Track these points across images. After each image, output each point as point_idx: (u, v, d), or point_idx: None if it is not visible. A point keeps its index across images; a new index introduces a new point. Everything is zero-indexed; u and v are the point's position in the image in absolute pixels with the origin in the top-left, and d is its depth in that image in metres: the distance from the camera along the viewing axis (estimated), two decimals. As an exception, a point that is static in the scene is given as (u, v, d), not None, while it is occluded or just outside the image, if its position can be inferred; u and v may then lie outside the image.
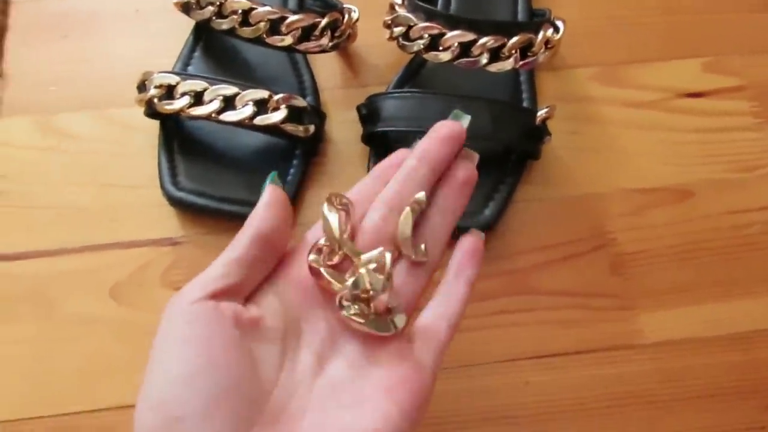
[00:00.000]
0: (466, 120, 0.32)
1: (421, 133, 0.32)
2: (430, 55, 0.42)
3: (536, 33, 0.42)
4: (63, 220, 0.43)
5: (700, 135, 0.46)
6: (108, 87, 0.46)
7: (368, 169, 0.43)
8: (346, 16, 0.44)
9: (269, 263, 0.29)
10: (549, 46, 0.42)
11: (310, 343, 0.28)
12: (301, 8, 0.47)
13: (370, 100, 0.43)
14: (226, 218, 0.41)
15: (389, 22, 0.44)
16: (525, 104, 0.46)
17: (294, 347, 0.28)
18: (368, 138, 0.43)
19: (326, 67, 0.48)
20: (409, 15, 0.42)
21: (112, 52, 0.48)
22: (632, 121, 0.47)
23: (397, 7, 0.43)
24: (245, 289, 0.29)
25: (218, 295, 0.27)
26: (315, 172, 0.44)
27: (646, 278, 0.42)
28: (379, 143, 0.44)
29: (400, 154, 0.32)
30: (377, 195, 0.31)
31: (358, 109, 0.43)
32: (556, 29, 0.43)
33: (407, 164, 0.31)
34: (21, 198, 0.43)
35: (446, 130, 0.31)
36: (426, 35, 0.41)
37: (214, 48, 0.47)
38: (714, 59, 0.49)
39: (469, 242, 0.31)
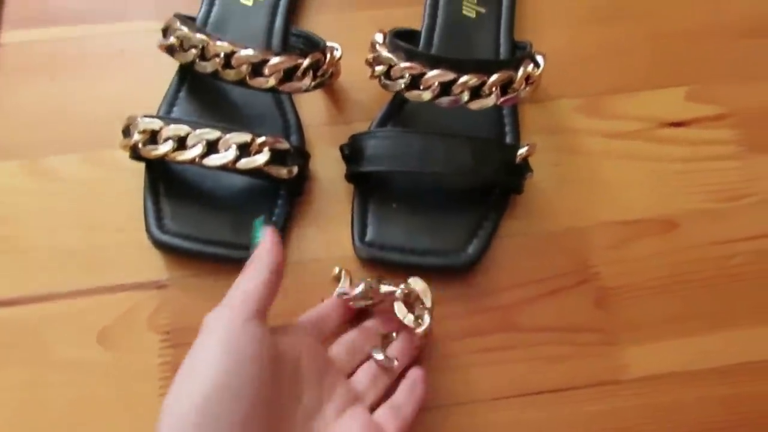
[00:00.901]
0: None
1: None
2: (411, 94, 0.42)
3: (516, 69, 0.42)
4: (51, 264, 0.43)
5: (683, 165, 0.46)
6: (95, 128, 0.47)
7: (352, 208, 0.44)
8: (329, 56, 0.44)
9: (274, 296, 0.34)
10: (530, 81, 0.43)
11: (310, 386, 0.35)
12: (284, 47, 0.47)
13: (352, 140, 0.43)
14: (212, 260, 0.42)
15: (371, 60, 0.44)
16: (508, 138, 0.46)
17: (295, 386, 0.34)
18: (352, 177, 0.44)
19: (311, 104, 0.48)
20: (390, 55, 0.42)
21: (99, 93, 0.48)
22: (615, 151, 0.47)
23: (378, 47, 0.44)
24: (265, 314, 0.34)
25: (261, 316, 0.33)
26: (301, 210, 0.45)
27: (631, 312, 0.42)
28: (364, 182, 0.44)
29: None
30: None
31: (341, 149, 0.43)
32: (537, 64, 0.43)
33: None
34: (8, 242, 0.43)
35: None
36: (407, 74, 0.42)
37: (200, 88, 0.47)
38: (697, 87, 0.49)
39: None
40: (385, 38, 0.44)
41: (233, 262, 0.40)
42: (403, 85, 0.42)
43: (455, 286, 0.42)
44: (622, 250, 0.44)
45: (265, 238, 0.35)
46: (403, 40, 0.44)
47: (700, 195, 0.45)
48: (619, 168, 0.46)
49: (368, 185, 0.44)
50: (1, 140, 0.46)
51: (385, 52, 0.43)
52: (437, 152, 0.40)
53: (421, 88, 0.42)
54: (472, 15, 0.49)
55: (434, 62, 0.41)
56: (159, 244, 0.42)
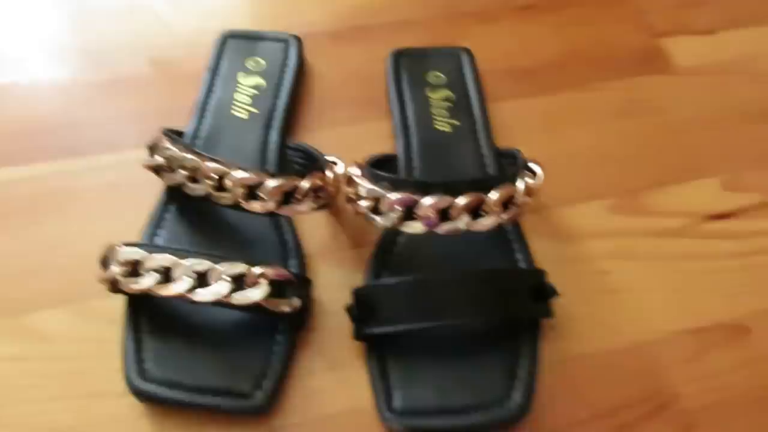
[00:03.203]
0: None
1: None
2: (407, 227, 0.38)
3: (514, 182, 0.38)
4: None
5: (739, 260, 0.43)
6: (87, 275, 0.39)
7: (369, 369, 0.38)
8: (329, 174, 0.41)
9: None
10: (530, 192, 0.39)
11: None
12: (281, 162, 0.44)
13: (359, 296, 0.38)
14: (202, 412, 0.36)
15: (352, 197, 0.40)
16: (519, 256, 0.41)
17: None
18: (364, 338, 0.38)
19: (310, 221, 0.43)
20: (374, 187, 0.38)
21: (87, 234, 0.43)
22: (662, 252, 0.43)
23: (357, 179, 0.40)
24: None
25: None
26: (303, 342, 0.39)
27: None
28: (378, 340, 0.38)
29: None
30: None
31: (348, 310, 0.38)
32: (533, 173, 0.40)
33: None
34: None
35: None
36: (397, 207, 0.38)
37: (188, 207, 0.43)
38: (729, 176, 0.47)
39: None
40: (362, 170, 0.40)
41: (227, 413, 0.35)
42: (395, 219, 0.38)
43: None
44: (698, 363, 0.39)
45: None
46: (379, 166, 0.40)
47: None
48: (671, 270, 0.42)
49: (382, 342, 0.38)
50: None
51: (367, 185, 0.39)
52: (461, 298, 0.36)
53: (415, 218, 0.37)
54: (447, 129, 0.47)
55: (425, 188, 0.37)
56: (140, 395, 0.36)
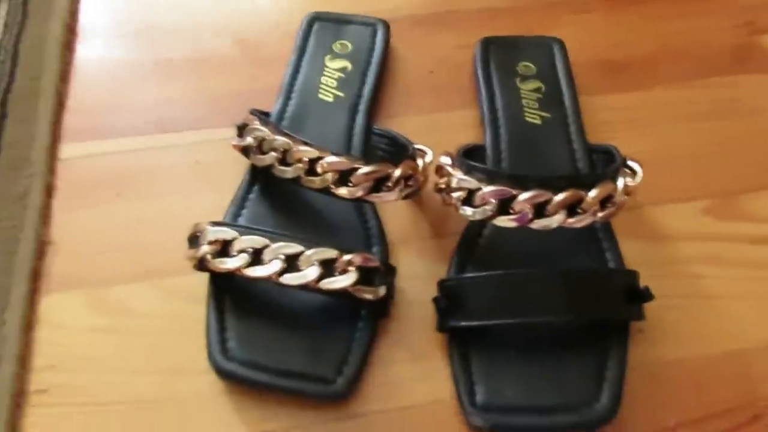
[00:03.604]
0: None
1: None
2: (498, 221, 0.37)
3: (614, 180, 0.37)
4: (124, 419, 0.36)
5: None
6: (168, 252, 0.40)
7: (452, 362, 0.37)
8: (420, 162, 0.40)
9: None
10: (627, 191, 0.38)
11: None
12: (366, 148, 0.44)
13: (448, 289, 0.37)
14: (284, 394, 0.36)
15: (443, 186, 0.39)
16: (608, 256, 0.40)
17: None
18: (449, 330, 0.38)
19: (393, 210, 0.43)
20: (467, 178, 0.37)
21: (172, 211, 0.43)
22: (758, 260, 0.41)
23: (449, 169, 0.39)
24: None
25: None
26: (384, 330, 0.39)
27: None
28: (462, 333, 0.37)
29: None
30: None
31: (436, 301, 0.37)
32: (632, 171, 0.39)
33: None
34: (74, 394, 0.36)
35: None
36: (492, 200, 0.37)
37: (272, 189, 0.42)
38: None
39: None
40: (453, 160, 0.39)
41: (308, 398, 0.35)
42: (489, 212, 0.37)
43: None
44: None
45: None
46: (467, 157, 0.39)
47: None
48: None
49: (466, 336, 0.37)
50: (63, 269, 0.41)
51: (460, 175, 0.38)
52: (554, 296, 0.35)
53: (511, 213, 0.36)
54: (538, 121, 0.45)
55: (521, 182, 0.36)
56: (223, 374, 0.36)
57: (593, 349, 0.36)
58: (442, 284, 0.37)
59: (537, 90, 0.47)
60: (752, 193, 0.44)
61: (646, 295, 0.36)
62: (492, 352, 0.37)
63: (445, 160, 0.39)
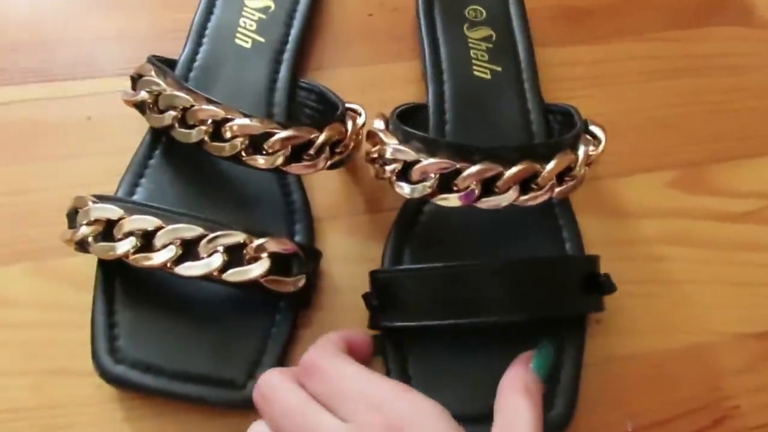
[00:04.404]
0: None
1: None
2: (440, 200, 0.31)
3: (575, 149, 0.32)
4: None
5: None
6: (49, 228, 0.34)
7: (386, 360, 0.32)
8: (350, 124, 0.34)
9: None
10: (588, 161, 0.33)
11: None
12: (290, 105, 0.38)
13: (379, 283, 0.32)
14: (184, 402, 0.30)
15: (375, 156, 0.33)
16: (565, 235, 0.35)
17: None
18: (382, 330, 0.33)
19: (320, 180, 0.37)
20: (403, 148, 0.32)
21: (56, 178, 0.37)
22: (727, 239, 0.38)
23: (382, 136, 0.33)
24: None
25: None
26: (306, 323, 0.34)
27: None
28: (398, 333, 0.33)
29: None
30: None
31: (366, 298, 0.32)
32: (595, 138, 0.34)
33: None
34: None
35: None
36: (432, 175, 0.31)
37: (177, 154, 0.36)
38: None
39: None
40: (387, 124, 0.34)
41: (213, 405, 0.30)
42: (429, 189, 0.31)
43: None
44: (760, 373, 0.34)
45: None
46: (406, 117, 0.34)
47: None
48: (738, 261, 0.37)
49: (402, 335, 0.33)
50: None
51: (394, 144, 0.32)
52: (500, 292, 0.30)
53: (455, 189, 0.31)
54: (487, 76, 0.40)
55: (466, 153, 0.31)
56: (110, 378, 0.30)
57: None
58: (373, 277, 0.32)
59: (487, 39, 0.41)
60: (724, 162, 0.40)
61: (607, 286, 0.32)
62: (432, 356, 0.32)
63: (378, 125, 0.33)
